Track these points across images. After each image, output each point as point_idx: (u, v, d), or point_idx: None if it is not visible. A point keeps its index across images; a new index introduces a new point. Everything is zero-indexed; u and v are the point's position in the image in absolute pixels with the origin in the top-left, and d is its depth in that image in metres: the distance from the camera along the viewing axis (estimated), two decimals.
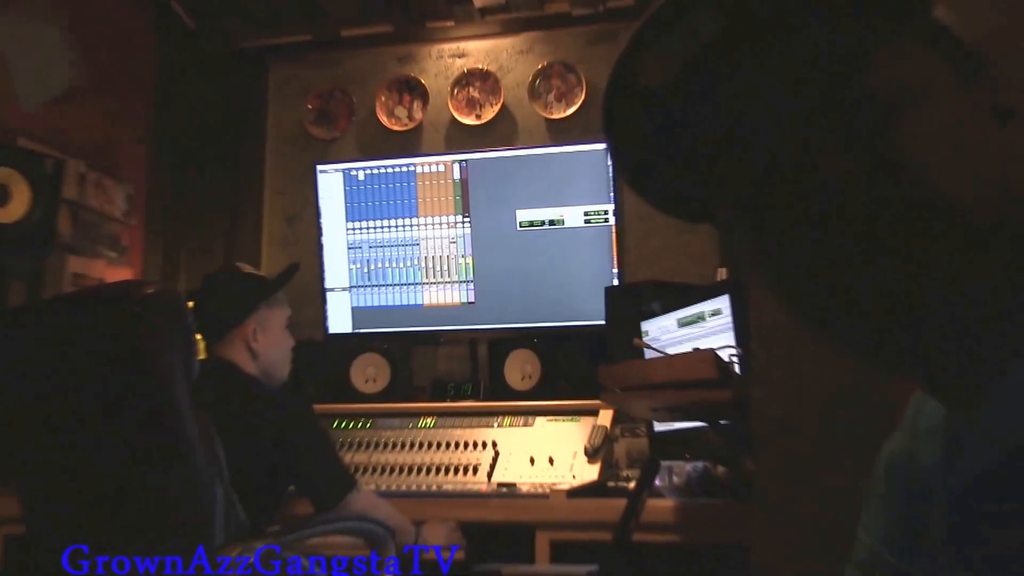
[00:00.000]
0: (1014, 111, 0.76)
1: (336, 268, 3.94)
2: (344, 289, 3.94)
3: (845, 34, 0.74)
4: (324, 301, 3.94)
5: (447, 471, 3.26)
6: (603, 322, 3.43)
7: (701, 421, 2.73)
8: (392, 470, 3.30)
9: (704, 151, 0.80)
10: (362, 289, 3.93)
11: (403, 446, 3.39)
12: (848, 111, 0.73)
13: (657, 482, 2.70)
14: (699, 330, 2.82)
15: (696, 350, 2.46)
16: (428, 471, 3.27)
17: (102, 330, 2.09)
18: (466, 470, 3.25)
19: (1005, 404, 0.61)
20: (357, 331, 3.92)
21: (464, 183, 3.83)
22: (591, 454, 3.17)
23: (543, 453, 3.24)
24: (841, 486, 1.80)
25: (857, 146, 0.72)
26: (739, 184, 0.78)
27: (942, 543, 0.61)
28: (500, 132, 4.04)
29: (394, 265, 3.90)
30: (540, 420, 3.40)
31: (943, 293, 0.70)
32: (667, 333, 2.92)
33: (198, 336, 2.90)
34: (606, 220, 3.67)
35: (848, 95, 0.73)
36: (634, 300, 3.22)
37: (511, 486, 3.10)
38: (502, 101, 4.03)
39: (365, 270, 3.92)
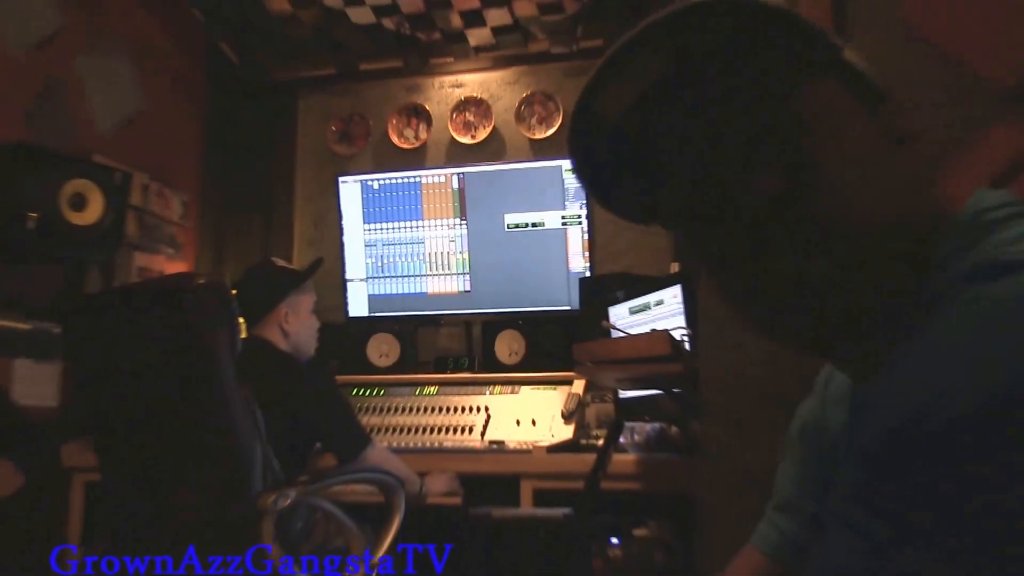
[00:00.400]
0: (908, 135, 0.78)
1: (355, 262, 3.94)
2: (362, 280, 3.94)
3: (770, 74, 0.75)
4: (345, 290, 3.94)
5: (447, 431, 3.27)
6: (577, 307, 3.44)
7: (658, 389, 2.74)
8: (401, 430, 3.31)
9: (651, 171, 0.81)
10: (376, 279, 3.92)
11: (410, 410, 3.40)
12: (774, 138, 0.74)
13: (621, 440, 2.71)
14: (645, 316, 2.84)
15: (654, 331, 2.47)
16: (431, 431, 3.28)
17: (162, 314, 2.09)
18: (463, 430, 3.26)
19: (892, 382, 0.62)
20: (372, 315, 3.92)
21: (461, 192, 3.83)
22: (567, 417, 3.20)
23: (527, 416, 3.25)
24: (771, 444, 1.81)
25: (780, 167, 0.73)
26: (679, 201, 0.80)
27: (848, 494, 0.62)
28: (491, 149, 4.05)
29: (403, 260, 3.89)
30: (525, 388, 3.42)
31: (849, 292, 0.72)
32: (621, 319, 2.94)
33: (240, 319, 2.92)
34: (579, 222, 3.68)
35: (774, 123, 0.74)
36: (602, 289, 3.23)
37: (500, 443, 3.11)
38: (493, 124, 4.04)
39: (379, 264, 3.92)
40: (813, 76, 0.75)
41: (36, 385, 3.20)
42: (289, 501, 2.02)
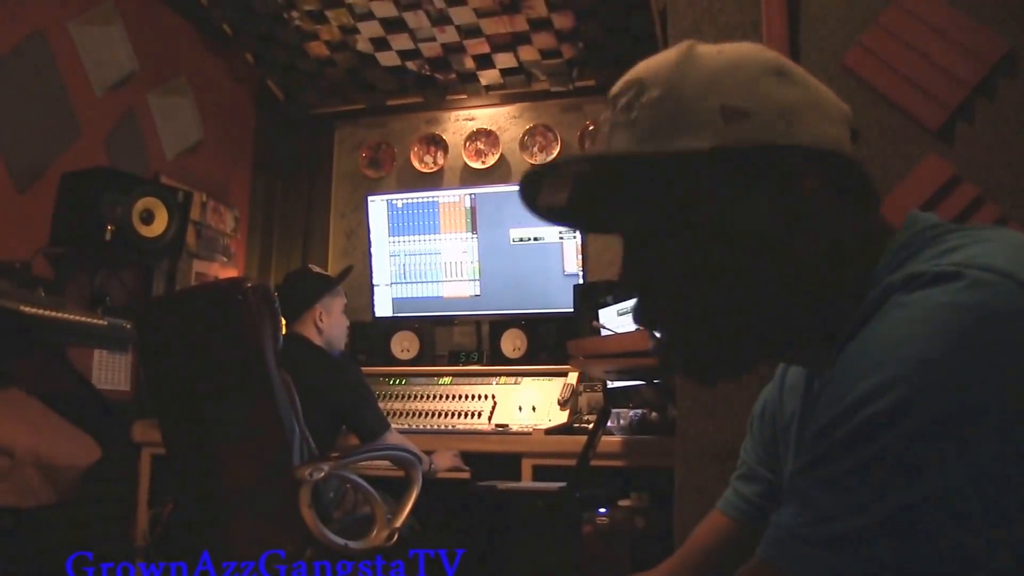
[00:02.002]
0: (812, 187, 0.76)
1: (381, 269, 3.93)
2: (387, 284, 3.92)
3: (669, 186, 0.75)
4: (372, 293, 3.93)
5: (459, 415, 3.27)
6: (572, 310, 3.43)
7: (640, 380, 2.75)
8: (420, 414, 3.31)
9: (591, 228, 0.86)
10: (400, 284, 3.91)
11: (428, 397, 3.40)
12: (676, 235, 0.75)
13: (609, 424, 2.70)
14: (630, 318, 2.81)
15: (637, 329, 2.47)
16: (446, 415, 3.28)
17: (217, 312, 2.10)
18: (472, 415, 3.26)
19: (835, 380, 0.62)
20: (396, 315, 3.90)
21: (473, 210, 3.82)
22: (562, 404, 3.18)
23: (528, 403, 3.25)
24: (733, 426, 1.82)
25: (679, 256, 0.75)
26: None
27: (798, 470, 0.62)
28: (499, 174, 4.03)
29: (423, 267, 3.88)
30: (526, 379, 3.40)
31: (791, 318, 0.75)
32: (610, 320, 2.93)
33: (281, 317, 2.93)
34: (574, 236, 3.66)
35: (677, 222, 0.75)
36: (594, 294, 3.22)
37: (505, 426, 3.11)
38: (500, 152, 4.03)
39: (402, 271, 3.91)
40: (709, 179, 0.74)
41: (112, 372, 3.23)
42: (323, 473, 2.03)
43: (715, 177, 0.73)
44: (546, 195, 0.80)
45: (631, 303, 0.79)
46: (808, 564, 0.58)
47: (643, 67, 0.76)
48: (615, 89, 0.78)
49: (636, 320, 0.79)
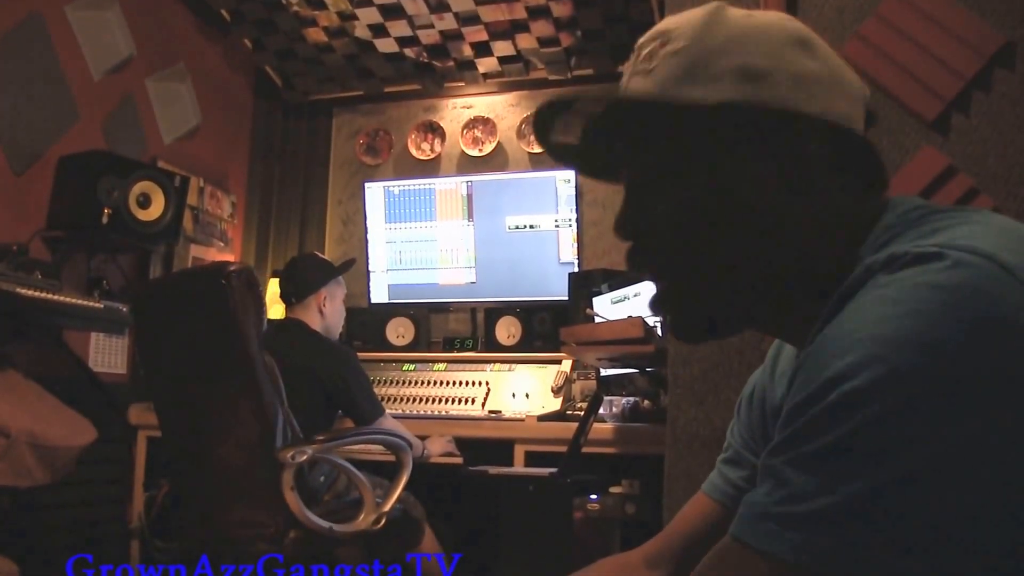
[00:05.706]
0: (813, 159, 0.76)
1: (378, 256, 3.90)
2: (383, 271, 3.90)
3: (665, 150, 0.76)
4: (368, 279, 3.91)
5: (453, 401, 3.26)
6: (566, 297, 3.42)
7: (633, 368, 2.73)
8: (414, 400, 3.30)
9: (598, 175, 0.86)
10: (396, 271, 3.89)
11: (422, 383, 3.39)
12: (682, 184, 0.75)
13: (601, 411, 2.70)
14: (625, 306, 2.81)
15: (630, 317, 2.45)
16: (440, 401, 3.27)
17: (201, 295, 2.11)
18: (466, 401, 3.25)
19: (811, 359, 0.61)
20: (392, 301, 3.88)
21: (469, 197, 3.80)
22: (555, 391, 3.18)
23: (522, 390, 3.24)
24: (722, 415, 1.80)
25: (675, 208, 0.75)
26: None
27: (770, 449, 0.61)
28: (496, 161, 4.01)
29: (419, 254, 3.86)
30: (520, 367, 3.39)
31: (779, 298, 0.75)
32: (605, 308, 2.92)
33: (282, 300, 2.92)
34: (570, 224, 3.65)
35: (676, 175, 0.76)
36: (588, 282, 3.21)
37: (498, 413, 3.11)
38: (497, 139, 4.00)
39: (398, 258, 3.88)
40: (709, 142, 0.75)
41: (108, 355, 3.22)
42: (306, 456, 2.02)
43: (720, 132, 0.73)
44: (559, 132, 0.80)
45: (627, 249, 0.79)
46: (778, 543, 0.57)
47: (671, 20, 0.77)
48: (642, 39, 0.78)
49: (629, 263, 0.80)
